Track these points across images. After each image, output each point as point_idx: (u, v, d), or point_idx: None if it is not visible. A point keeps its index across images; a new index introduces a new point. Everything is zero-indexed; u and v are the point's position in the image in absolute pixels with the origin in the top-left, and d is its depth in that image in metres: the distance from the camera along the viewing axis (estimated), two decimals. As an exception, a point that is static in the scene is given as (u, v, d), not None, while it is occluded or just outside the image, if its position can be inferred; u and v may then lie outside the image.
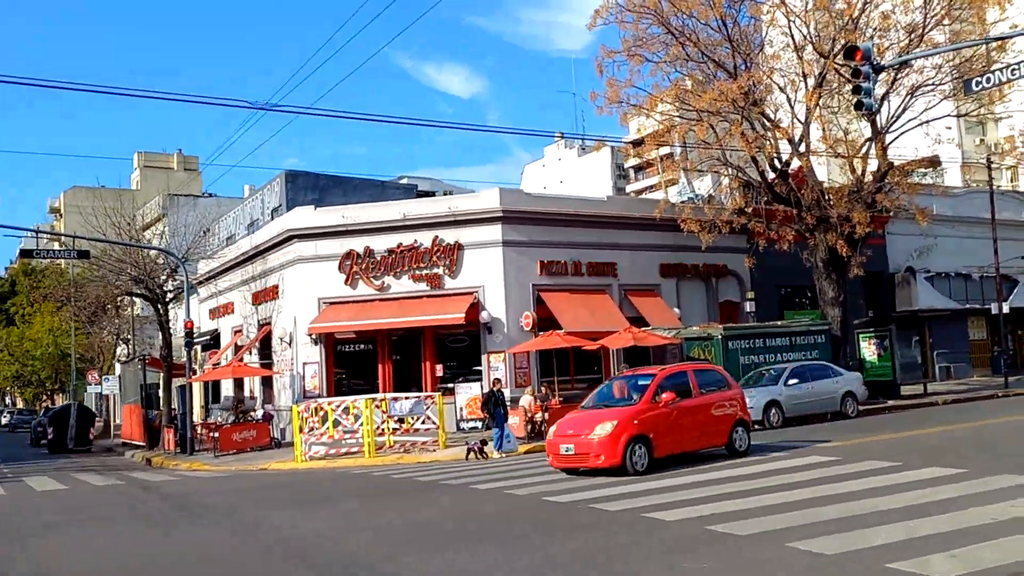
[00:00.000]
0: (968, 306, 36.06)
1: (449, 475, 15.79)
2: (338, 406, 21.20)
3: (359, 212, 27.04)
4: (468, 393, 25.32)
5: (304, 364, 27.05)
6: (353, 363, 27.85)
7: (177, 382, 29.65)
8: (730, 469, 13.78)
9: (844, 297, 26.86)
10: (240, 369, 26.01)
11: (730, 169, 26.05)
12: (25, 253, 23.31)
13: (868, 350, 28.97)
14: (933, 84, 25.80)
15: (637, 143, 28.76)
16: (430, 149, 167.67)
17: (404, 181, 46.15)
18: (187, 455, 25.19)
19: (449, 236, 26.40)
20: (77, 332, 39.70)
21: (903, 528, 8.56)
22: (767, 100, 26.20)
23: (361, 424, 20.56)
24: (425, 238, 26.46)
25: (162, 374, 30.04)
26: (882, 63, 16.29)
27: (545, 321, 26.25)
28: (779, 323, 26.84)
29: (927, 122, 26.22)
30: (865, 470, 12.66)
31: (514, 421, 21.97)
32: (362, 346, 27.60)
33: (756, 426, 21.12)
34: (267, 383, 30.22)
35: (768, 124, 23.83)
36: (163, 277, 27.72)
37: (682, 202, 29.43)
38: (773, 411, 21.52)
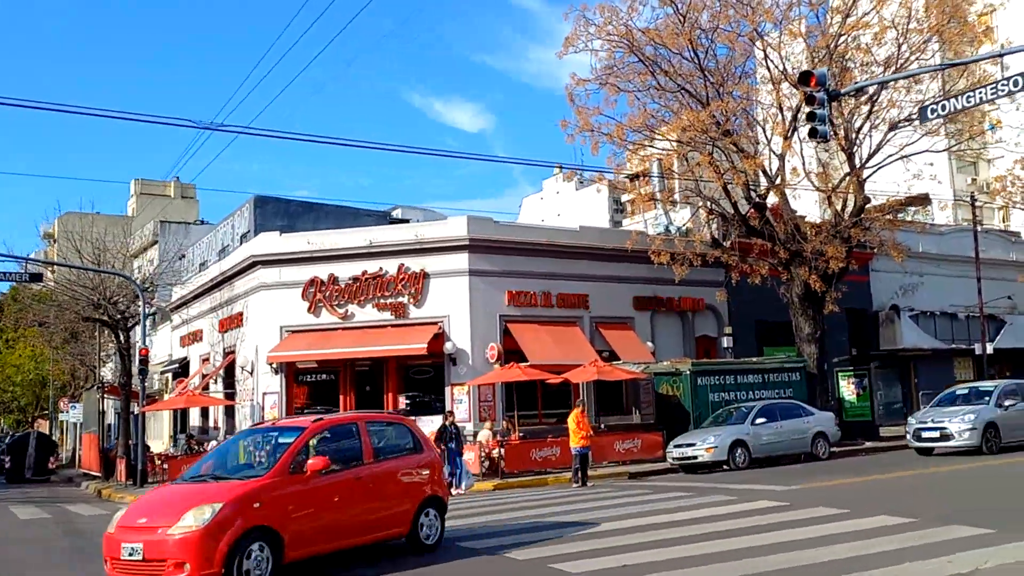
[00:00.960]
0: (953, 346, 35.24)
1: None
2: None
3: (324, 238, 26.43)
4: (430, 426, 24.16)
5: (264, 394, 26.29)
6: (315, 393, 27.09)
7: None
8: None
9: (821, 333, 26.13)
10: (193, 399, 25.27)
11: (703, 200, 25.44)
12: (-28, 275, 22.49)
13: (847, 389, 28.18)
14: (911, 119, 25.27)
15: (633, 177, 28.21)
16: (439, 182, 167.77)
17: (398, 212, 45.43)
18: (137, 487, 24.35)
19: (415, 264, 25.75)
20: (52, 359, 39.03)
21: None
22: (744, 132, 25.67)
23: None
24: (391, 266, 25.81)
25: (119, 403, 29.25)
26: (840, 91, 15.63)
27: (512, 353, 25.48)
28: (752, 360, 26.08)
29: (905, 157, 25.66)
30: (808, 517, 11.89)
31: (469, 457, 21.17)
32: (324, 376, 26.86)
33: (723, 467, 20.40)
34: (230, 413, 29.44)
35: (740, 155, 23.22)
36: (123, 304, 27.00)
37: (658, 234, 28.77)
38: (739, 451, 20.71)
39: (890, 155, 26.62)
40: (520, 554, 9.88)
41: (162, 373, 38.38)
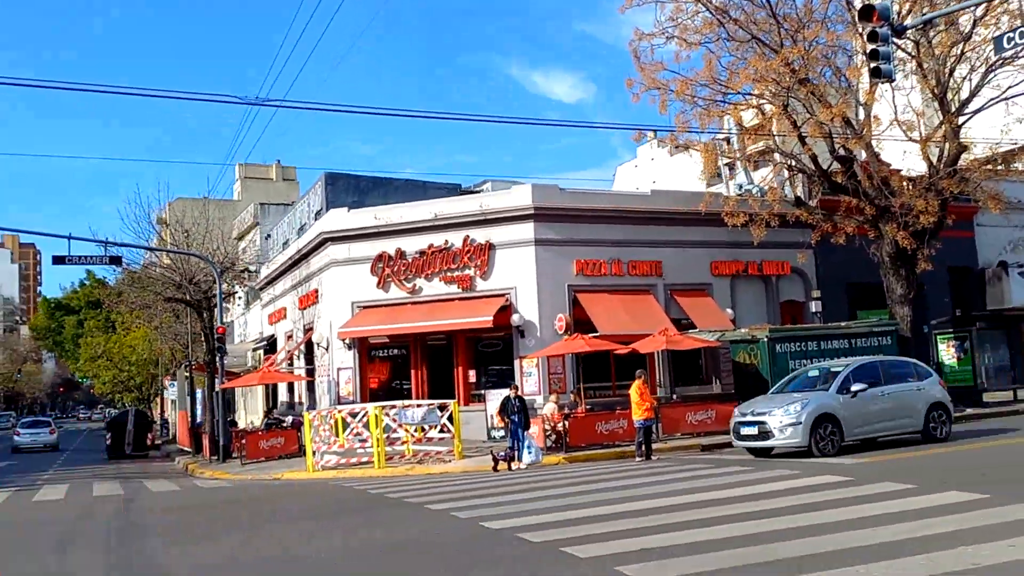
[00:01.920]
0: (1073, 304, 32.38)
1: (444, 491, 14.65)
2: (349, 414, 20.42)
3: (391, 212, 26.30)
4: (499, 400, 24.03)
5: (339, 369, 26.51)
6: (388, 368, 27.16)
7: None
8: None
9: (914, 294, 24.32)
10: (267, 375, 25.68)
11: (783, 157, 23.94)
12: (57, 260, 23.37)
13: (947, 353, 26.30)
14: (1014, 57, 23.03)
15: (726, 139, 26.78)
16: (539, 156, 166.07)
17: (487, 187, 44.61)
18: (220, 462, 25.00)
19: (480, 236, 25.32)
20: (152, 339, 40.66)
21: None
22: (828, 81, 23.88)
23: (372, 433, 19.69)
24: (456, 238, 25.47)
25: (205, 380, 30.11)
26: (905, 24, 14.17)
27: (582, 324, 24.83)
28: (837, 324, 24.52)
29: (1008, 99, 23.48)
30: (872, 493, 10.89)
31: (535, 431, 20.68)
32: (396, 351, 26.86)
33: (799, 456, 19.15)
34: (312, 389, 29.90)
35: (820, 106, 21.62)
36: (205, 284, 27.67)
37: (738, 195, 27.37)
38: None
39: (991, 99, 24.50)
40: (536, 536, 9.34)
41: (254, 350, 39.48)
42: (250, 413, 40.53)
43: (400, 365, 26.90)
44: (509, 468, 18.17)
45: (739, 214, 23.46)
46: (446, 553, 9.13)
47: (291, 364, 31.94)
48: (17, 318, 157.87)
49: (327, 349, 27.25)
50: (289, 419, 26.28)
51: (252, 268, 34.10)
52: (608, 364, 25.55)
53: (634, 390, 18.32)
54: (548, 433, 20.57)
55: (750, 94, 22.00)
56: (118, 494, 18.49)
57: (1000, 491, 10.42)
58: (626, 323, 24.56)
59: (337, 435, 20.11)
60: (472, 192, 31.04)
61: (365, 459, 20.08)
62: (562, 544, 8.76)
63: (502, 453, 18.50)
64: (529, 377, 24.63)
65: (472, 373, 25.74)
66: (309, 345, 29.76)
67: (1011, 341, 28.61)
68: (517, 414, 19.33)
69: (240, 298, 43.42)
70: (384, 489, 15.44)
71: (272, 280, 35.54)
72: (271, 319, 36.19)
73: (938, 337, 26.49)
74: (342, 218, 26.86)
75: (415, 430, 20.55)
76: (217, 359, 25.88)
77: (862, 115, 23.83)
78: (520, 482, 15.15)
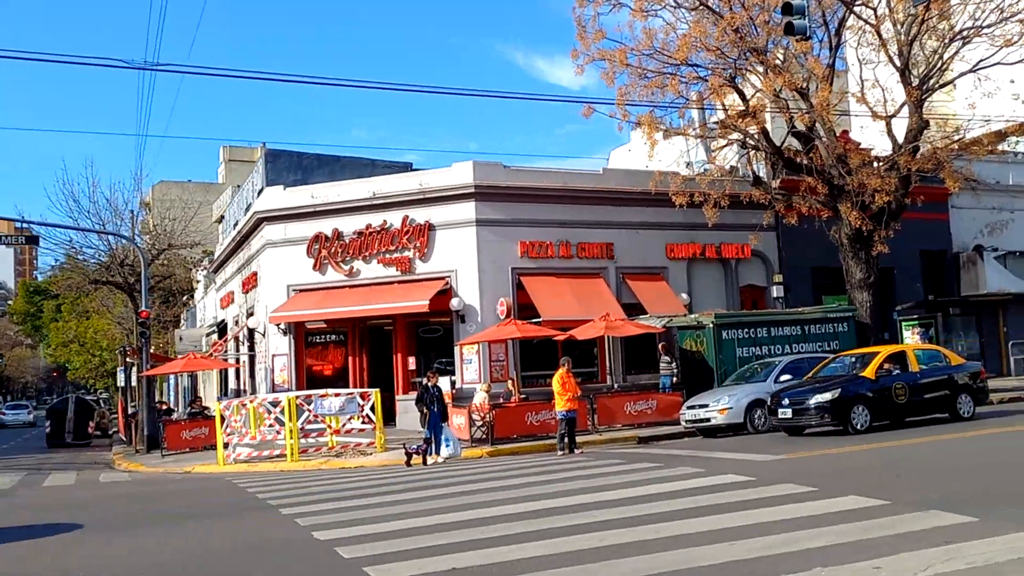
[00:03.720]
0: (1052, 290, 31.09)
1: (324, 491, 13.48)
2: (261, 404, 19.26)
3: (328, 191, 25.05)
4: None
5: (273, 356, 25.32)
6: (326, 355, 25.98)
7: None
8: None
9: (874, 279, 23.07)
10: (192, 362, 24.46)
11: (735, 132, 22.61)
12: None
13: (911, 340, 25.03)
14: (981, 25, 21.69)
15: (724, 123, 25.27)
16: (542, 142, 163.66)
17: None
18: (146, 453, 23.86)
19: (420, 216, 24.08)
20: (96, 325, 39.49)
21: None
22: (775, 52, 22.46)
23: (285, 425, 18.51)
24: (395, 218, 24.23)
25: (135, 366, 28.92)
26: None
27: (527, 309, 23.65)
28: (789, 310, 23.30)
29: (974, 70, 22.14)
30: (768, 496, 9.71)
31: (461, 422, 19.53)
32: (334, 337, 25.68)
33: (744, 431, 18.10)
34: (254, 376, 28.72)
35: (769, 74, 20.26)
36: (139, 267, 26.41)
37: (695, 174, 26.04)
38: (758, 412, 18.26)
39: (960, 73, 23.20)
40: (352, 550, 8.15)
41: (207, 335, 38.31)
42: (208, 400, 39.37)
43: (338, 352, 25.73)
44: (424, 462, 16.96)
45: (682, 193, 22.12)
46: (222, 570, 7.97)
47: (238, 350, 30.81)
48: (11, 302, 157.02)
49: (264, 335, 26.08)
50: (215, 406, 25.04)
51: (201, 251, 32.87)
52: (555, 352, 24.34)
53: (556, 380, 17.10)
54: (479, 424, 19.38)
55: (696, 65, 20.66)
56: (5, 487, 17.35)
57: (904, 498, 9.23)
58: (573, 308, 23.35)
59: (250, 427, 18.91)
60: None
61: (278, 452, 18.89)
62: (371, 562, 7.57)
63: (414, 447, 17.26)
64: (469, 364, 23.47)
65: (412, 360, 24.55)
66: (253, 330, 28.58)
67: (981, 328, 27.41)
68: (435, 404, 18.06)
69: (198, 282, 42.27)
70: (270, 487, 14.26)
71: (222, 263, 34.37)
72: (223, 303, 35.01)
73: (903, 323, 25.22)
74: (278, 197, 25.61)
75: (333, 421, 19.35)
76: (144, 344, 24.62)
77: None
78: (417, 480, 13.98)
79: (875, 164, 23.20)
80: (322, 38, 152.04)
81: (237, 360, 27.31)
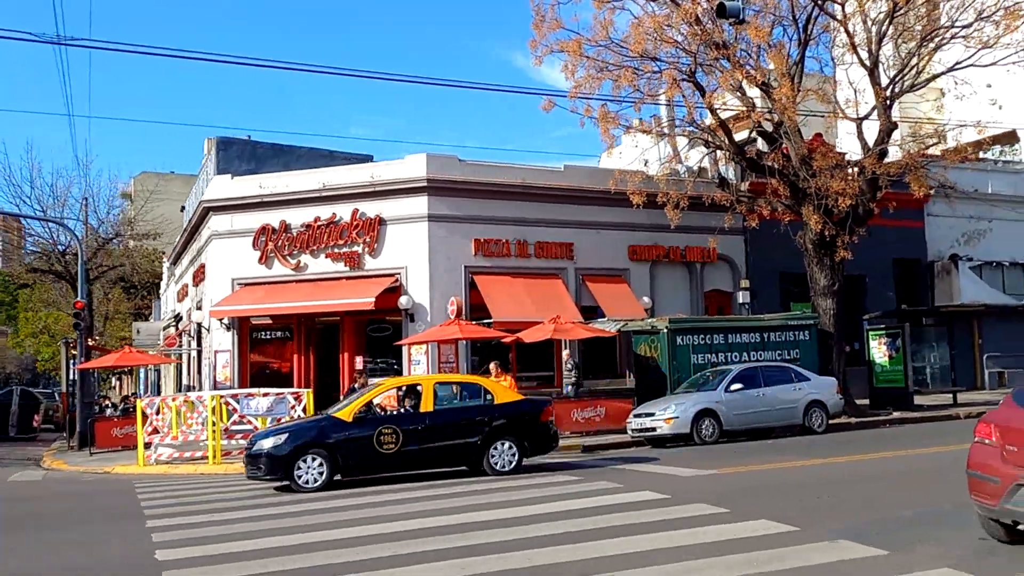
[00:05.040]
0: (1025, 301, 30.30)
1: (217, 499, 12.59)
2: (184, 402, 18.30)
3: (276, 181, 24.08)
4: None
5: (216, 352, 24.35)
6: (271, 352, 25.02)
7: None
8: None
9: (839, 286, 22.19)
10: (127, 356, 23.48)
11: (695, 130, 21.73)
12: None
13: (878, 350, 24.14)
14: (955, 25, 20.85)
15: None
16: (538, 142, 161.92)
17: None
18: (78, 450, 22.85)
19: (371, 209, 23.14)
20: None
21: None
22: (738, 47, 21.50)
23: (206, 425, 17.55)
24: (345, 211, 23.27)
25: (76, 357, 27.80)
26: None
27: (480, 309, 22.73)
28: (746, 316, 22.43)
29: (947, 72, 21.32)
30: (671, 518, 8.82)
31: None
32: (279, 333, 24.72)
33: (693, 441, 17.23)
34: (201, 372, 27.72)
35: (729, 69, 19.34)
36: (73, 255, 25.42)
37: (658, 174, 25.13)
38: (706, 422, 17.39)
39: (934, 75, 22.37)
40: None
41: (164, 328, 37.36)
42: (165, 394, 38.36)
43: (284, 349, 24.77)
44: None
45: (641, 193, 21.22)
46: None
47: (190, 345, 29.81)
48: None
49: (208, 329, 25.11)
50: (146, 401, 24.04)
51: (154, 239, 31.84)
52: (508, 354, 23.44)
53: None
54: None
55: (655, 58, 19.72)
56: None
57: (816, 524, 8.36)
58: (527, 309, 22.44)
59: (172, 426, 17.95)
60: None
61: (200, 454, 17.93)
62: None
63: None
64: (417, 366, 22.54)
65: (360, 360, 23.59)
66: (199, 324, 27.60)
67: (952, 340, 26.56)
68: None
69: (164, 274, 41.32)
70: (165, 492, 13.36)
71: (179, 255, 33.41)
72: (179, 296, 34.06)
73: (870, 333, 24.34)
74: (225, 186, 24.64)
75: (260, 422, 18.38)
76: (79, 337, 23.62)
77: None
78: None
79: (847, 168, 22.38)
80: (319, 39, 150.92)
81: (178, 356, 26.30)
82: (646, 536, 8.06)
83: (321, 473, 12.63)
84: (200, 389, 26.08)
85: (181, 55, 15.66)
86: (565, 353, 21.54)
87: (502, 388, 14.47)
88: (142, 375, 47.39)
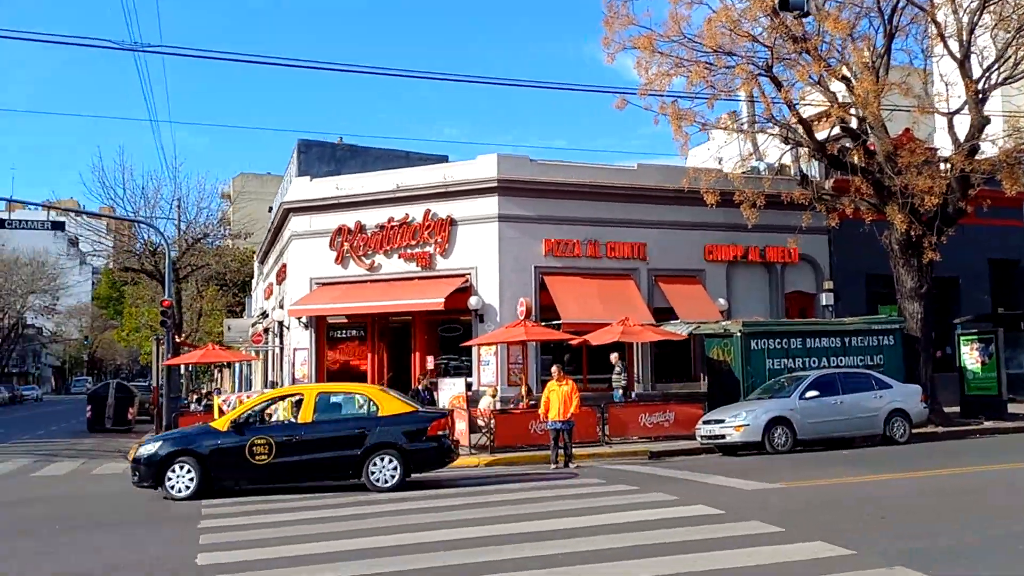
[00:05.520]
0: None
1: (289, 500, 12.75)
2: (225, 400, 18.71)
3: (352, 182, 24.45)
4: (452, 390, 21.98)
5: (295, 350, 24.90)
6: (346, 350, 25.44)
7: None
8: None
9: (927, 289, 21.17)
10: (210, 353, 24.20)
11: (777, 127, 21.00)
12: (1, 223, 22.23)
13: (970, 356, 22.96)
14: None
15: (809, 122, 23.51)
16: (614, 140, 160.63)
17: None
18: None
19: (442, 210, 23.24)
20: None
21: None
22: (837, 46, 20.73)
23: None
24: (417, 212, 23.44)
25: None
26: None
27: (549, 310, 22.58)
28: (827, 320, 21.59)
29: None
30: (718, 537, 8.50)
31: (462, 427, 18.60)
32: (354, 332, 25.10)
33: (765, 450, 16.71)
34: (284, 369, 28.42)
35: (810, 63, 18.62)
36: (172, 253, 26.39)
37: (742, 172, 24.48)
38: (779, 431, 16.81)
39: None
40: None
41: (253, 326, 38.42)
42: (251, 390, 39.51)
43: (358, 347, 25.15)
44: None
45: (715, 192, 20.66)
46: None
47: (274, 342, 30.60)
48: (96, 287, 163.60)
49: (288, 327, 25.71)
50: (233, 399, 24.74)
51: (245, 239, 32.84)
52: (580, 355, 23.23)
53: (547, 389, 16.00)
54: (483, 430, 18.45)
55: (731, 53, 19.14)
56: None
57: (876, 547, 7.92)
58: (596, 311, 22.17)
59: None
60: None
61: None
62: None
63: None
64: (487, 366, 22.51)
65: (431, 359, 23.72)
66: (280, 323, 28.29)
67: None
68: (427, 406, 17.11)
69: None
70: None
71: (265, 254, 34.34)
72: (266, 294, 34.98)
73: (962, 339, 23.16)
74: (304, 188, 25.17)
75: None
76: (167, 334, 24.52)
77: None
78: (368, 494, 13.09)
79: (936, 165, 21.34)
80: (398, 41, 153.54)
81: (260, 353, 26.99)
82: (686, 556, 7.78)
83: (192, 480, 12.45)
84: (282, 385, 26.75)
85: (263, 61, 15.94)
86: (613, 356, 21.10)
87: (389, 399, 13.52)
88: (236, 371, 48.98)
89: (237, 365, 45.99)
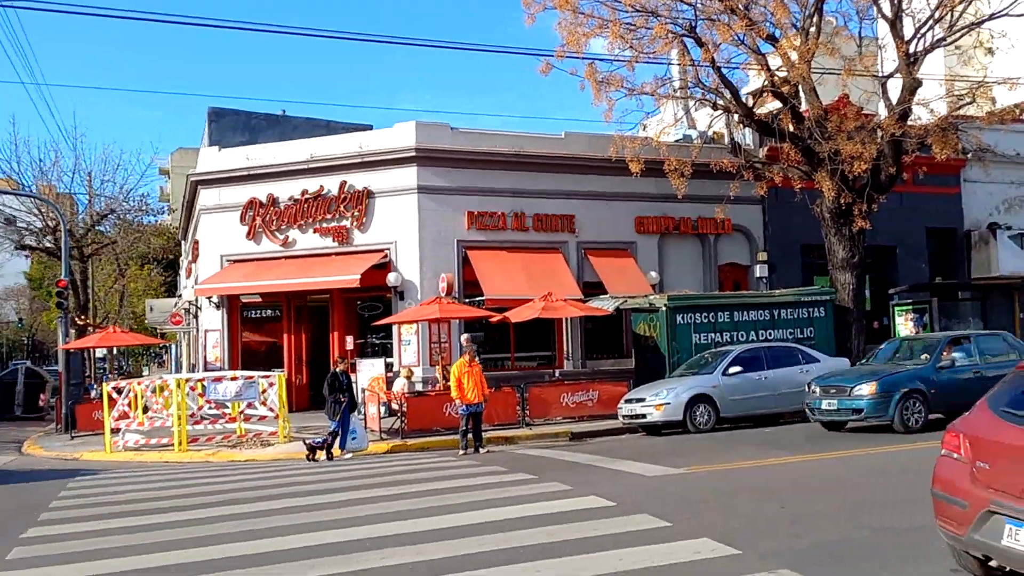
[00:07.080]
0: (1076, 273, 28.05)
1: (140, 495, 11.66)
2: (148, 387, 17.49)
3: (263, 152, 23.13)
4: (371, 371, 20.94)
5: (206, 331, 23.61)
6: (261, 331, 24.21)
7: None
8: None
9: (859, 258, 20.55)
10: (109, 337, 22.78)
11: (697, 89, 20.12)
12: None
13: (905, 327, 22.47)
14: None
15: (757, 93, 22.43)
16: (595, 112, 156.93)
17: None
18: (64, 432, 22.25)
19: (359, 181, 22.04)
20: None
21: None
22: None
23: (174, 411, 16.70)
24: (332, 184, 22.21)
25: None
26: None
27: (473, 286, 21.58)
28: (755, 292, 20.90)
29: (975, 25, 19.42)
30: (599, 535, 7.58)
31: (373, 411, 17.58)
32: (269, 312, 23.87)
33: (676, 430, 15.95)
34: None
35: (727, 20, 17.71)
36: (79, 231, 24.75)
37: (674, 140, 23.64)
38: (701, 409, 16.05)
39: (964, 27, 20.38)
40: None
41: (175, 306, 36.88)
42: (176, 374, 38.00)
43: (274, 327, 23.93)
44: (329, 457, 15.00)
45: (636, 159, 19.74)
46: None
47: (190, 324, 29.18)
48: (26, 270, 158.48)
49: (199, 307, 24.37)
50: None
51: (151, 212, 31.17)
52: (507, 334, 22.28)
53: (455, 369, 14.98)
54: (396, 413, 17.40)
55: (652, 12, 18.12)
56: None
57: (762, 546, 7.07)
58: (521, 287, 21.19)
59: (139, 411, 17.17)
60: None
61: (167, 440, 17.11)
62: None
63: (318, 440, 15.26)
64: (407, 346, 21.50)
65: (350, 339, 22.62)
66: (191, 303, 26.92)
67: (989, 315, 24.63)
68: (346, 391, 16.05)
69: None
70: (98, 485, 12.48)
71: (184, 231, 32.77)
72: (187, 273, 33.45)
73: (896, 309, 22.65)
74: (213, 159, 23.76)
75: (231, 407, 17.52)
76: (62, 316, 22.95)
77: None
78: (276, 481, 12.06)
79: (870, 131, 20.65)
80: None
81: (163, 335, 25.60)
82: (551, 561, 6.84)
83: None
84: (197, 369, 25.43)
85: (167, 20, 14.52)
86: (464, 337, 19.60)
87: None
88: (173, 354, 47.35)
89: (175, 348, 44.39)
